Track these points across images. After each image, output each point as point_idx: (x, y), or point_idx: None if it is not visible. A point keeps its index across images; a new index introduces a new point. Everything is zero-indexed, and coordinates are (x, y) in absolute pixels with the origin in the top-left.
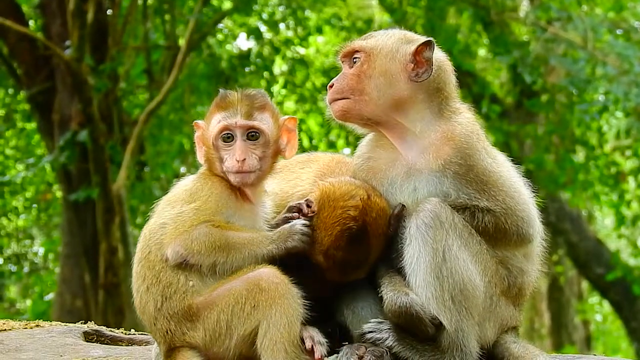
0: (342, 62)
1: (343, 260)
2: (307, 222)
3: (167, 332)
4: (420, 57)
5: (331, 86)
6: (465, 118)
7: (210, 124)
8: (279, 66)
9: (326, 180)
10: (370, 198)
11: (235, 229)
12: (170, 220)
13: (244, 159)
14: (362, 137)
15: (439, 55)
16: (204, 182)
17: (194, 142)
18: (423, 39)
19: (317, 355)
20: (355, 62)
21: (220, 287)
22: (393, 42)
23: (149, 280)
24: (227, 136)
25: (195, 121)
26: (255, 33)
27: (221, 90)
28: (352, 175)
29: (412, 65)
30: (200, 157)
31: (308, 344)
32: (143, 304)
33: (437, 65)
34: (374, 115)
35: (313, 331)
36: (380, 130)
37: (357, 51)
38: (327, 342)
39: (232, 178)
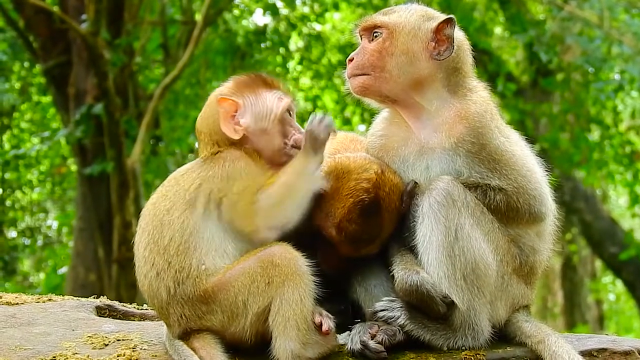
0: (361, 35)
1: (355, 233)
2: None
3: (181, 316)
4: (441, 34)
5: (351, 60)
6: (480, 97)
7: (267, 100)
8: (295, 42)
9: (342, 154)
10: (385, 173)
11: (280, 173)
12: (233, 209)
13: None
14: (377, 114)
15: (458, 34)
16: (232, 160)
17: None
18: (443, 16)
19: (324, 327)
20: (375, 37)
21: (233, 267)
22: (415, 19)
23: (159, 266)
24: (289, 113)
25: (222, 96)
26: (271, 9)
27: (255, 73)
28: (366, 152)
29: (434, 43)
30: (231, 132)
31: (317, 319)
32: (154, 290)
33: (456, 44)
34: (392, 92)
35: (320, 308)
36: (395, 108)
37: (378, 26)
38: (335, 321)
39: (294, 152)
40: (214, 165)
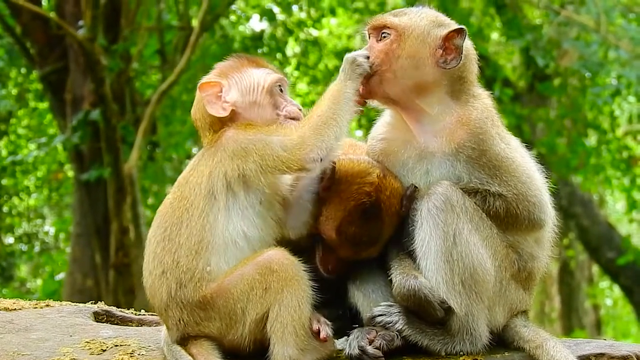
0: (369, 34)
1: (355, 235)
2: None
3: (179, 321)
4: (450, 43)
5: None
6: (482, 104)
7: (253, 74)
8: (292, 48)
9: (346, 156)
10: (386, 177)
11: (317, 103)
12: (264, 164)
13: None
14: (376, 119)
15: (466, 43)
16: (231, 139)
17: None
18: (454, 24)
19: (322, 334)
20: (384, 38)
21: (231, 273)
22: (425, 24)
23: (166, 264)
24: (280, 89)
25: (204, 81)
26: (268, 14)
27: (239, 55)
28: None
29: (441, 51)
30: (217, 111)
31: (315, 326)
32: (155, 288)
33: (464, 53)
34: (395, 94)
35: (318, 314)
36: (397, 110)
37: (387, 27)
38: (332, 326)
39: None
40: (216, 151)
